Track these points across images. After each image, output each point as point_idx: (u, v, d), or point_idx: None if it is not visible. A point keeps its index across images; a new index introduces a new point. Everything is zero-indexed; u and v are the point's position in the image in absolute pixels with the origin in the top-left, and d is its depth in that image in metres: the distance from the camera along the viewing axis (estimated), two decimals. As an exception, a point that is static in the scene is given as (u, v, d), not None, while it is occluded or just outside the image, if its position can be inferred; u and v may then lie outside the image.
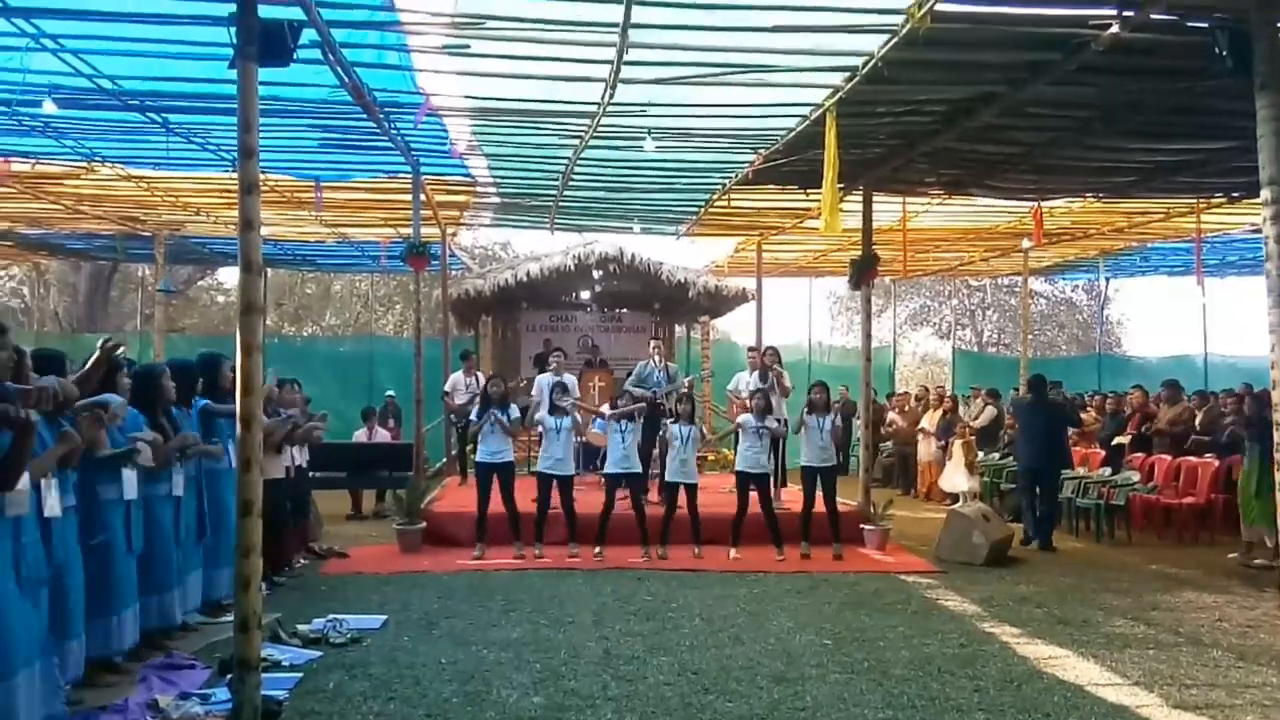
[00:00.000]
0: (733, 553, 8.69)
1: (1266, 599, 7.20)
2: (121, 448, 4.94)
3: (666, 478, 8.97)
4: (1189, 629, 6.45)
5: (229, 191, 11.12)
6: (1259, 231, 5.32)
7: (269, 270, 16.01)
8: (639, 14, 5.69)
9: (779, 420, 9.29)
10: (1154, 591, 7.65)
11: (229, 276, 26.72)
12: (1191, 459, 10.60)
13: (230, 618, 5.58)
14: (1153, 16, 5.53)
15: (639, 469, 8.94)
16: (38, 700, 3.78)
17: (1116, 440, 11.76)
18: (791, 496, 9.74)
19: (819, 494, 8.93)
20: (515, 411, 8.77)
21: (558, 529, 8.78)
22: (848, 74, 6.78)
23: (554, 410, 8.76)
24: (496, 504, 8.67)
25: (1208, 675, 5.40)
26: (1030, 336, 20.32)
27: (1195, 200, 11.27)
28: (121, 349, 4.96)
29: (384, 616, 6.42)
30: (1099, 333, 24.06)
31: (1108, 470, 11.12)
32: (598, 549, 8.59)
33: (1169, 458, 10.85)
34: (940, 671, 5.34)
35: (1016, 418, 11.13)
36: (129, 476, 5.05)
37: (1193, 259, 13.71)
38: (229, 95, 6.44)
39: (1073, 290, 30.42)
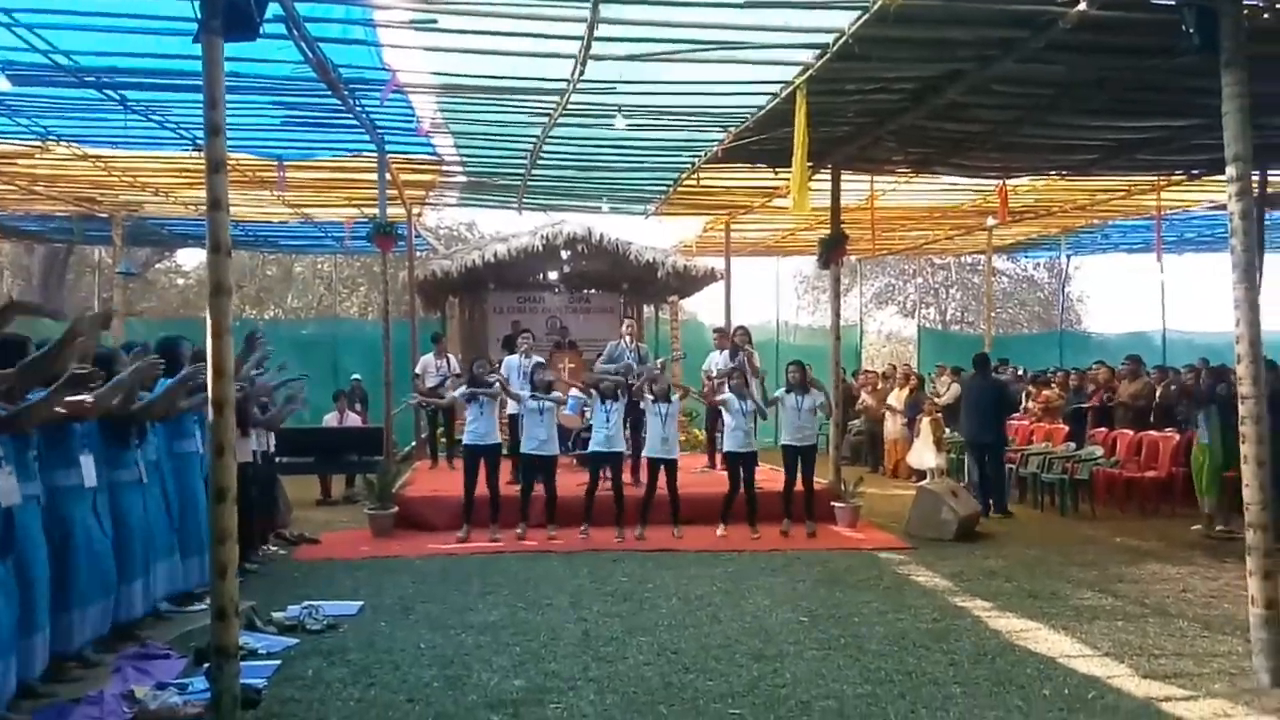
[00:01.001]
0: (720, 530, 8.75)
1: (1229, 569, 7.36)
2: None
3: (647, 454, 8.99)
4: (1155, 600, 6.59)
5: (189, 171, 10.91)
6: (1220, 208, 5.40)
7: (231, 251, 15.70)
8: (611, -10, 5.62)
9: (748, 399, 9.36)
10: (1119, 564, 7.80)
11: (189, 258, 26.28)
12: (1152, 434, 10.81)
13: (201, 606, 5.52)
14: (1121, -7, 5.57)
15: (621, 448, 8.95)
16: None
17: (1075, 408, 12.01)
18: (765, 475, 9.79)
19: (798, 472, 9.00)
20: (496, 389, 8.73)
21: (536, 511, 8.78)
22: (819, 51, 6.75)
23: (537, 390, 8.72)
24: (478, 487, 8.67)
25: (1175, 645, 5.53)
26: (993, 314, 20.57)
27: (1156, 178, 11.42)
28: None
29: (360, 602, 6.38)
30: (1060, 310, 24.42)
31: (1071, 445, 11.31)
32: (583, 528, 8.60)
33: (1130, 432, 11.06)
34: (915, 646, 5.41)
35: (962, 394, 11.48)
36: (87, 463, 4.93)
37: (1153, 236, 13.98)
38: (190, 71, 6.36)
39: (1035, 268, 30.82)
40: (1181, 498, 10.12)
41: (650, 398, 8.89)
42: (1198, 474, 9.18)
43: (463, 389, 8.94)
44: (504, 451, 9.37)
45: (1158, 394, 11.54)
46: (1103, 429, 11.52)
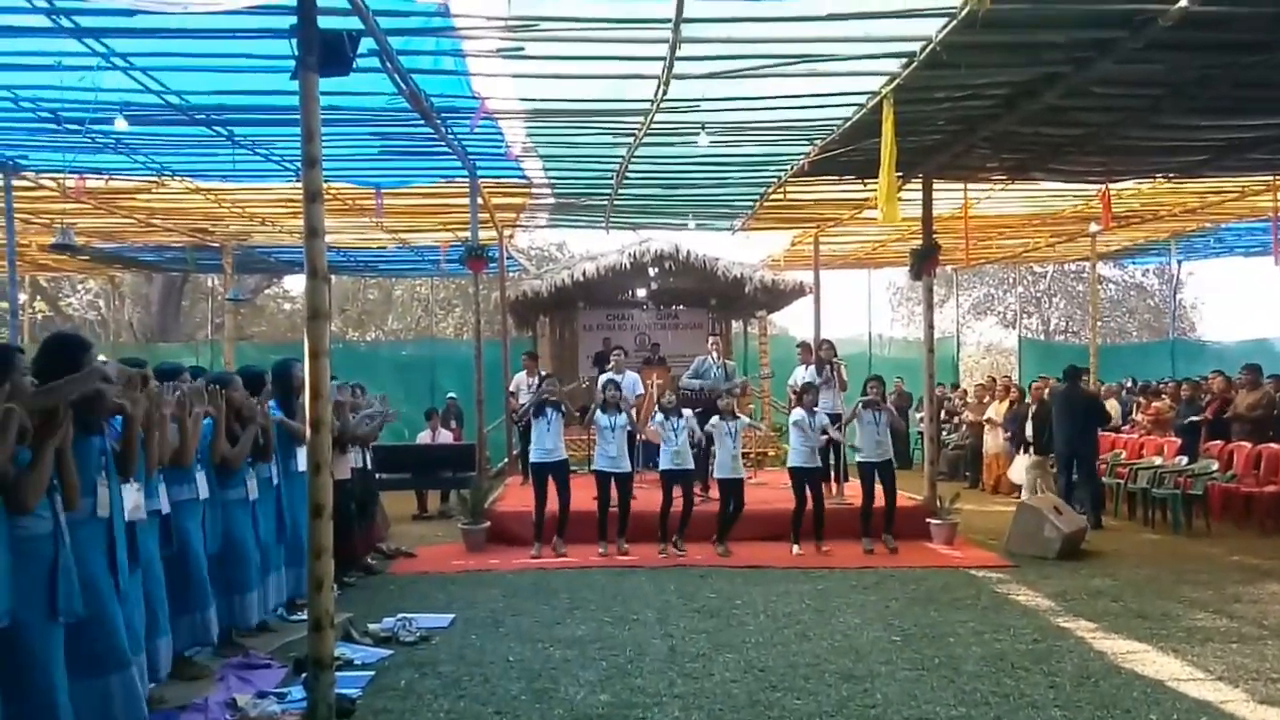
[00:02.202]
0: (795, 549, 8.63)
1: (1358, 590, 6.91)
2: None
3: (717, 475, 8.95)
4: (1274, 622, 6.23)
5: (293, 201, 11.38)
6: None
7: (333, 277, 16.33)
8: (691, 8, 5.66)
9: (830, 415, 9.28)
10: (1235, 583, 7.40)
11: (295, 284, 27.33)
12: (1274, 446, 10.23)
13: (303, 617, 5.72)
14: (1223, -12, 5.35)
15: (691, 465, 8.90)
16: (126, 703, 3.89)
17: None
18: (854, 491, 9.64)
19: (879, 489, 8.82)
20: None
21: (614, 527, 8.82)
22: (905, 60, 6.67)
23: (605, 408, 8.79)
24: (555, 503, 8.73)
25: (1296, 670, 5.21)
26: (1099, 323, 19.78)
27: (1271, 177, 10.86)
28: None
29: (451, 615, 6.51)
30: (1172, 318, 23.35)
31: (1184, 459, 10.79)
32: (674, 542, 8.62)
33: (1249, 445, 10.48)
34: (1014, 668, 5.23)
35: (1053, 406, 11.16)
36: (201, 478, 5.19)
37: (1270, 238, 13.22)
38: (291, 106, 6.63)
39: (1143, 274, 29.57)
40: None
41: (716, 417, 8.84)
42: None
43: (525, 404, 9.00)
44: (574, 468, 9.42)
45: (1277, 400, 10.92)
46: (1218, 442, 10.95)
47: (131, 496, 4.19)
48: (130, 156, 9.36)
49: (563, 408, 8.88)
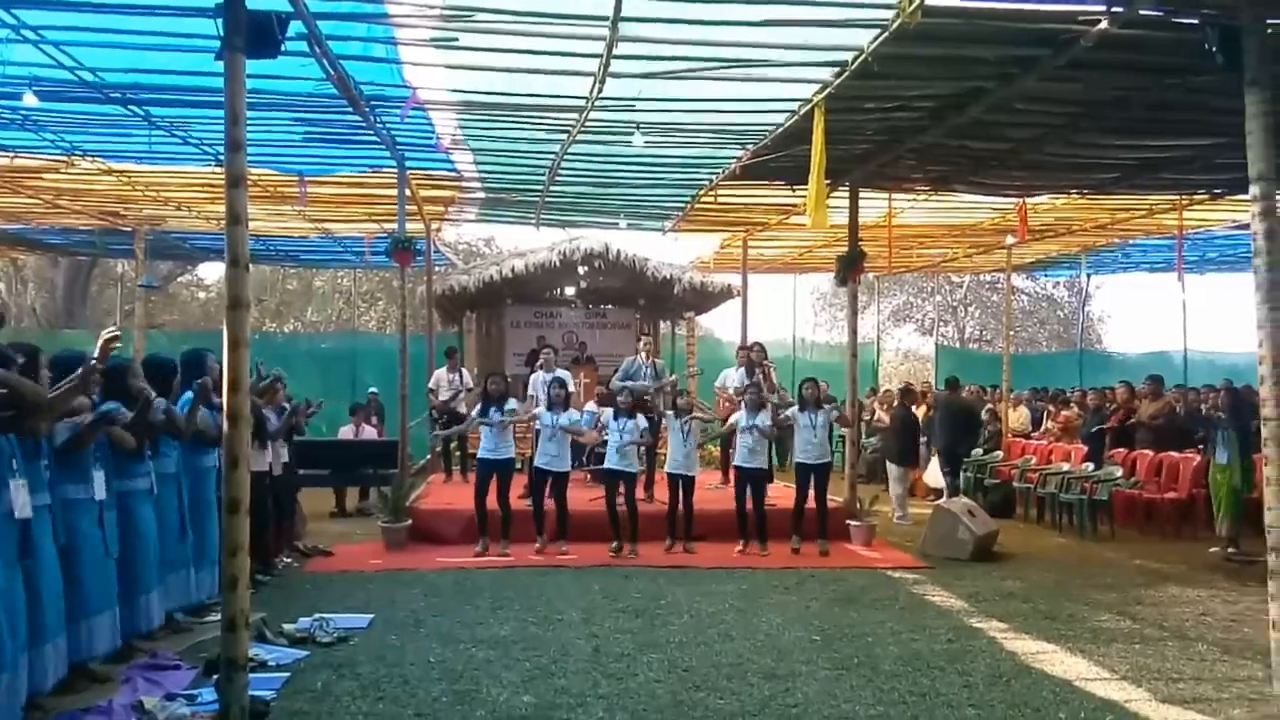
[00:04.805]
0: (740, 547, 8.71)
1: (1250, 593, 7.25)
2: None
3: (667, 470, 8.97)
4: (1174, 623, 6.50)
5: (211, 185, 11.01)
6: (1242, 228, 5.35)
7: (251, 265, 15.85)
8: (629, 7, 5.64)
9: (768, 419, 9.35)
10: (1138, 586, 7.70)
11: (210, 272, 26.53)
12: (1174, 454, 10.69)
13: (215, 618, 5.53)
14: (1142, 13, 5.53)
15: (635, 467, 8.91)
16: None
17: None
18: (779, 492, 9.75)
19: (810, 490, 8.95)
20: (512, 404, 8.76)
21: (550, 525, 8.76)
22: (837, 69, 6.77)
23: (554, 404, 8.74)
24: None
25: (1194, 669, 5.44)
26: (1012, 333, 20.42)
27: (1178, 197, 11.34)
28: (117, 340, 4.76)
29: (370, 615, 6.37)
30: (1080, 329, 24.23)
31: (1090, 465, 11.20)
32: (614, 544, 8.58)
33: (1151, 453, 10.93)
34: (930, 667, 5.35)
35: (936, 409, 12.40)
36: (98, 477, 4.97)
37: (1174, 255, 13.82)
38: (213, 88, 6.42)
39: (1055, 287, 30.64)
40: (1202, 520, 9.99)
41: (671, 413, 8.88)
42: (1216, 495, 9.06)
43: (475, 411, 8.91)
44: (518, 466, 9.37)
45: (1177, 411, 11.43)
46: (1122, 449, 11.40)
47: (20, 494, 4.00)
48: (38, 134, 8.95)
49: (506, 405, 8.77)
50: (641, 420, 8.90)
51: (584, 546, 8.63)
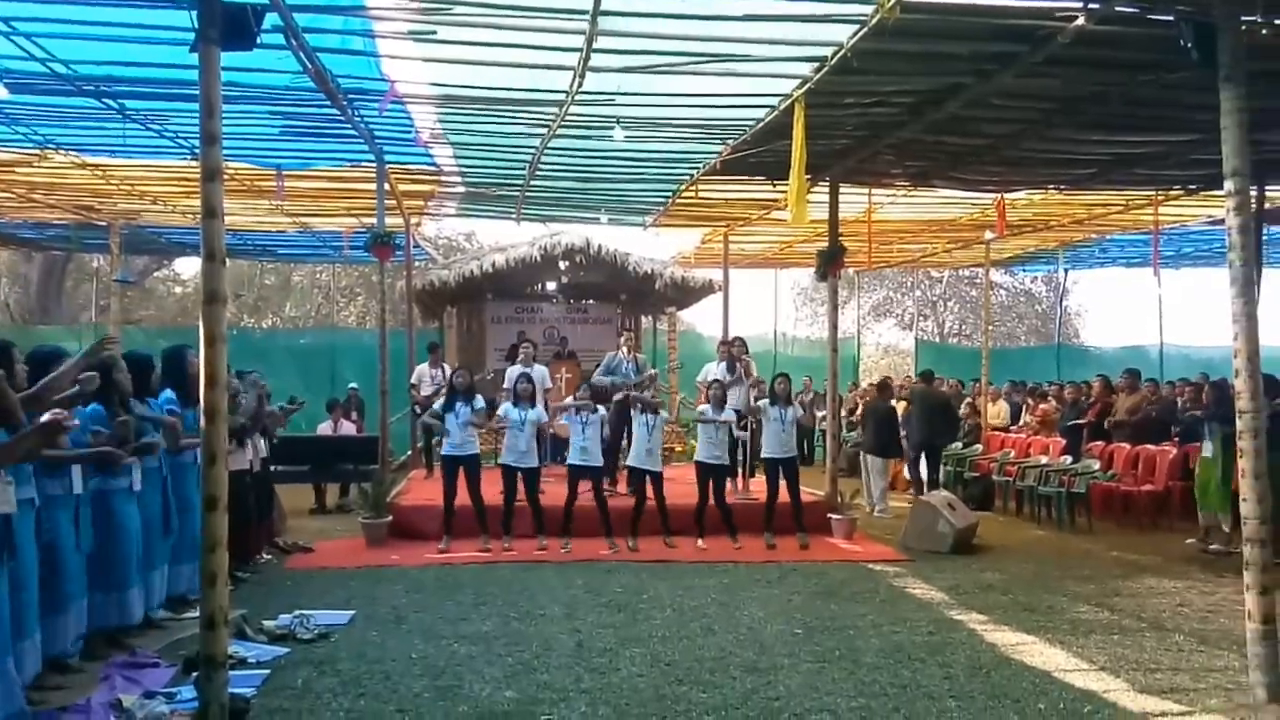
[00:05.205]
0: (700, 543, 8.70)
1: (1225, 584, 7.35)
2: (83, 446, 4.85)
3: (630, 463, 8.96)
4: (1151, 614, 6.57)
5: (187, 180, 10.90)
6: (1218, 223, 5.41)
7: (229, 260, 15.72)
8: (609, 1, 5.63)
9: (737, 411, 9.38)
10: (1116, 578, 7.78)
11: (186, 267, 26.29)
12: (1150, 447, 10.80)
13: (194, 614, 5.49)
14: (1118, 9, 5.56)
15: (598, 462, 8.87)
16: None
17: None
18: (759, 487, 9.78)
19: (782, 484, 8.96)
20: (480, 402, 8.71)
21: (525, 522, 8.73)
22: (817, 64, 6.77)
23: (517, 401, 8.70)
24: (463, 497, 8.60)
25: (1171, 660, 5.50)
26: (991, 327, 20.53)
27: (1154, 192, 11.44)
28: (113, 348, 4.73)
29: (351, 611, 6.34)
30: (1057, 323, 24.43)
31: (1068, 459, 11.29)
32: (565, 542, 8.55)
33: (1128, 446, 11.04)
34: (910, 659, 5.39)
35: (911, 402, 12.39)
36: (75, 471, 4.92)
37: (1150, 250, 13.98)
38: (188, 81, 6.33)
39: (1032, 282, 30.89)
40: (1179, 511, 10.11)
41: (637, 408, 8.87)
42: (1203, 488, 9.11)
43: (439, 405, 8.83)
44: (486, 462, 9.31)
45: (1154, 408, 11.54)
46: (1100, 442, 11.51)
47: (5, 490, 3.95)
48: (10, 127, 8.83)
49: (474, 401, 8.71)
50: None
51: (560, 543, 8.59)
